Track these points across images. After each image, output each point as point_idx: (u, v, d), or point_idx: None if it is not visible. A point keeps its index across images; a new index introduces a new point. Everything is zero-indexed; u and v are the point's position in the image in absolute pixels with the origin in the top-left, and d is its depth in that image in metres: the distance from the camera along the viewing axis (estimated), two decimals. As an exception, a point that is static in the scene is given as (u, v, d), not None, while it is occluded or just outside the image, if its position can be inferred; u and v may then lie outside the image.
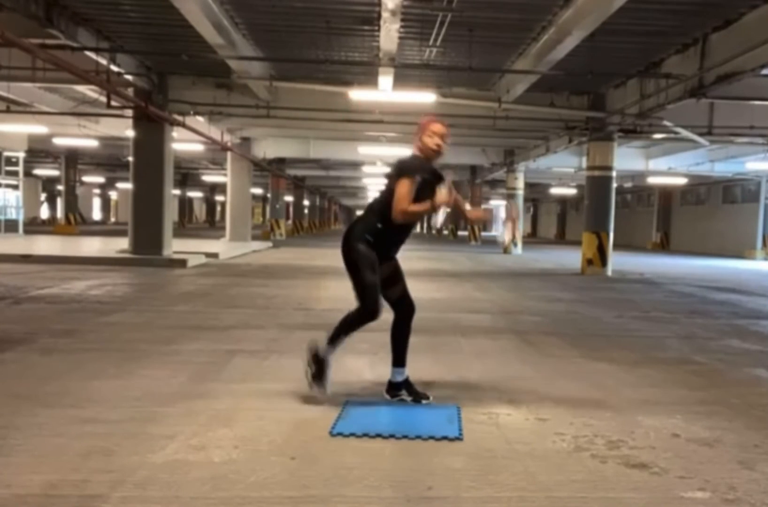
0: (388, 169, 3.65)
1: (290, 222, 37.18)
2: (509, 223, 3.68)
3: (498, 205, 50.76)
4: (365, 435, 3.08)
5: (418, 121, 3.76)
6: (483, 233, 32.65)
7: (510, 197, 21.89)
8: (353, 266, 3.52)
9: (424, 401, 3.65)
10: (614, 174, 13.78)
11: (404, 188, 3.42)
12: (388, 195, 3.54)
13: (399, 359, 3.68)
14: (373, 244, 3.53)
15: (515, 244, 21.63)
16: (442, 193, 3.46)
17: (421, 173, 3.47)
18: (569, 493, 2.54)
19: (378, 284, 3.51)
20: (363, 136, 18.04)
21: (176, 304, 7.44)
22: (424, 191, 3.46)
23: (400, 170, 3.50)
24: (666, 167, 21.41)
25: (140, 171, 13.09)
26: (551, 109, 13.12)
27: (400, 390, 3.68)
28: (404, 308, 3.67)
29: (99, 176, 38.47)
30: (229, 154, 20.89)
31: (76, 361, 4.41)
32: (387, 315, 3.75)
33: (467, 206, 3.99)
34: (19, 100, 14.54)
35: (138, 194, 13.15)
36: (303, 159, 25.03)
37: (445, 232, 35.24)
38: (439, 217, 3.56)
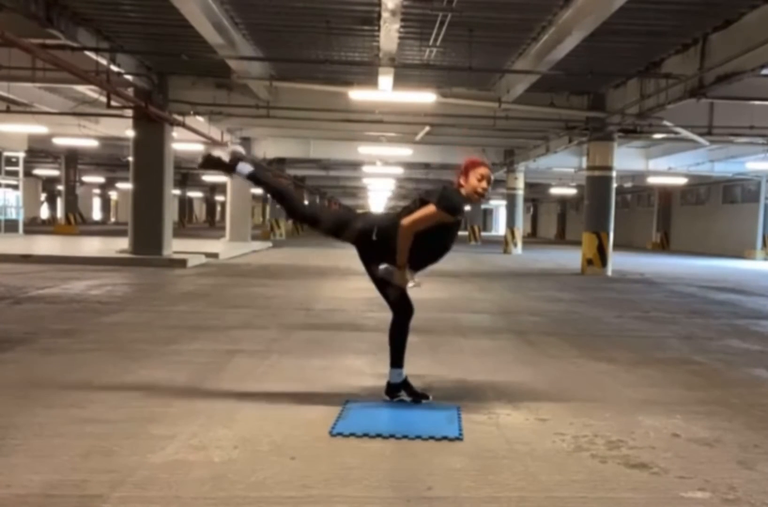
0: (424, 190, 3.60)
1: (290, 222, 37.14)
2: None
3: (498, 205, 50.77)
4: (365, 435, 3.08)
5: (462, 161, 3.70)
6: (483, 233, 32.64)
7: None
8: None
9: (423, 401, 3.64)
10: (614, 174, 13.78)
11: (428, 214, 3.38)
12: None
13: (397, 360, 3.65)
14: (374, 242, 3.52)
15: (515, 244, 21.65)
16: (406, 278, 3.45)
17: (457, 214, 3.46)
18: (569, 493, 2.54)
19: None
20: (363, 136, 18.04)
21: (176, 304, 7.44)
22: (442, 230, 3.47)
23: (440, 198, 3.43)
24: (666, 167, 21.41)
25: (140, 171, 13.09)
26: (551, 109, 13.12)
27: (399, 391, 3.66)
28: (403, 310, 3.65)
29: (99, 176, 38.45)
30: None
31: (76, 361, 4.41)
32: (387, 315, 3.75)
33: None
34: (19, 100, 14.54)
35: (138, 194, 13.15)
36: (303, 159, 25.02)
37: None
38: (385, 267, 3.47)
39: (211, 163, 3.70)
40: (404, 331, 3.64)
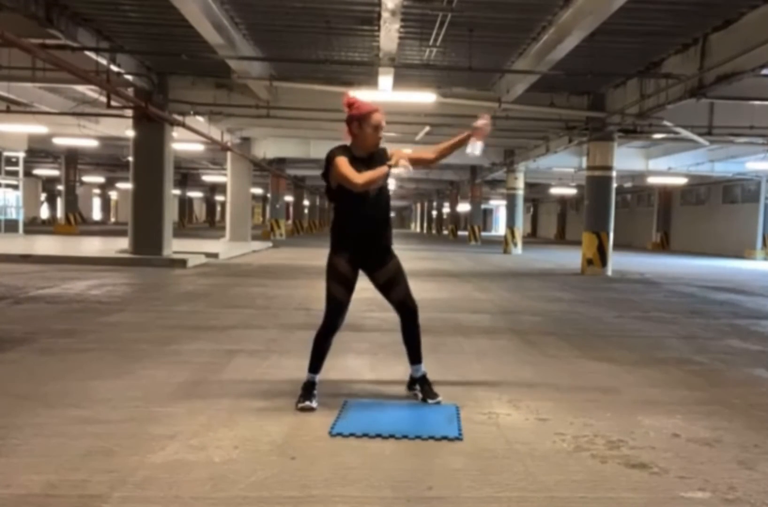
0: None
1: (290, 222, 37.19)
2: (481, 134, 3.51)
3: (498, 205, 50.76)
4: (365, 435, 3.08)
5: (343, 98, 3.56)
6: (483, 233, 32.65)
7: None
8: (326, 277, 3.65)
9: (430, 401, 3.66)
10: (614, 174, 13.78)
11: (342, 164, 3.33)
12: (331, 195, 3.56)
13: (413, 356, 3.73)
14: (344, 245, 3.58)
15: (515, 244, 21.65)
16: (397, 155, 3.39)
17: (350, 154, 3.42)
18: (569, 493, 2.54)
19: (343, 300, 3.60)
20: (363, 136, 18.01)
21: (176, 304, 7.44)
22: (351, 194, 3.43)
23: (329, 157, 3.42)
24: (666, 167, 21.42)
25: (140, 171, 13.10)
26: (551, 109, 13.12)
27: (415, 384, 3.76)
28: (406, 309, 3.69)
29: (99, 176, 38.48)
30: (229, 154, 20.90)
31: (76, 361, 4.41)
32: (394, 315, 3.76)
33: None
34: (19, 100, 14.53)
35: (138, 194, 13.15)
36: (303, 159, 25.03)
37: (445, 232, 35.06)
38: (476, 149, 3.50)
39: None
40: (414, 330, 3.71)
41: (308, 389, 3.55)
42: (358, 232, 3.58)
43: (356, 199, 3.47)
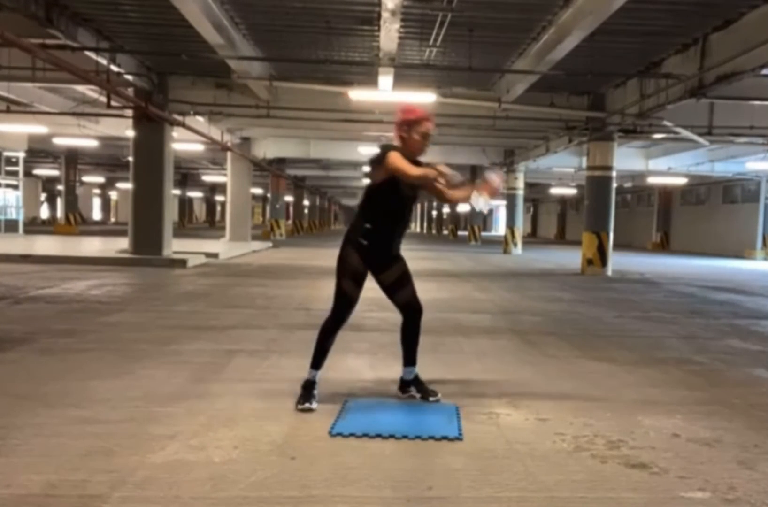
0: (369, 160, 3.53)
1: (290, 222, 37.18)
2: (490, 190, 3.47)
3: (498, 205, 50.77)
4: (365, 435, 3.08)
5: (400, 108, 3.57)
6: (483, 233, 32.64)
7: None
8: (337, 272, 3.57)
9: (431, 399, 3.67)
10: (614, 174, 13.78)
11: (397, 156, 3.31)
12: (369, 192, 3.55)
13: (409, 358, 3.73)
14: (369, 246, 3.53)
15: (515, 244, 21.65)
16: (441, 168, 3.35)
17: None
18: (569, 493, 2.54)
19: (353, 296, 3.54)
20: (363, 136, 18.03)
21: (176, 304, 7.44)
22: (392, 192, 3.42)
23: (383, 151, 3.39)
24: (666, 167, 21.42)
25: (140, 171, 13.10)
26: (551, 109, 13.12)
27: (409, 387, 3.74)
28: (412, 311, 3.69)
29: (99, 176, 38.48)
30: (229, 154, 20.90)
31: (76, 361, 4.41)
32: (394, 315, 3.76)
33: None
34: (19, 100, 14.54)
35: (138, 194, 13.14)
36: (303, 159, 25.03)
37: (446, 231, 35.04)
38: (480, 204, 3.36)
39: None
40: (415, 331, 3.71)
41: (308, 389, 3.55)
42: (384, 234, 3.56)
43: (395, 202, 3.49)
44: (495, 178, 3.46)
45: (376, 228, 3.53)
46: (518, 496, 2.49)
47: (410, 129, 3.48)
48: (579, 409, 3.64)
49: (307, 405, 3.45)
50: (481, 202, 3.37)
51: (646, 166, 21.75)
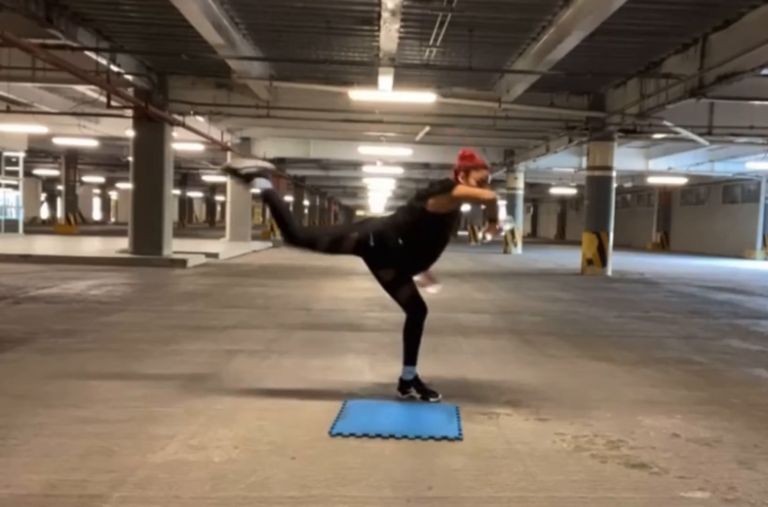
0: (420, 192, 3.72)
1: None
2: (491, 231, 3.70)
3: (499, 204, 50.68)
4: (365, 435, 3.08)
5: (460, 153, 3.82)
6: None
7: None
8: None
9: (432, 399, 3.68)
10: (614, 174, 13.78)
11: (466, 187, 3.57)
12: (420, 215, 3.57)
13: (409, 358, 3.72)
14: (404, 262, 3.63)
15: (515, 244, 21.65)
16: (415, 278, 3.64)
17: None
18: (569, 493, 2.54)
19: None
20: (363, 136, 18.04)
21: (176, 304, 7.44)
22: (440, 224, 3.58)
23: (448, 183, 3.58)
24: (666, 167, 21.41)
25: (140, 171, 13.09)
26: (551, 109, 13.12)
27: (409, 387, 3.73)
28: (416, 309, 3.69)
29: (99, 176, 38.44)
30: (229, 154, 20.89)
31: (76, 361, 4.41)
32: (394, 314, 3.76)
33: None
34: (19, 100, 14.53)
35: (138, 194, 13.14)
36: (303, 159, 25.02)
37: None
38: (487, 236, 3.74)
39: (234, 169, 3.78)
40: (417, 331, 3.70)
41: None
42: (410, 257, 3.63)
43: (438, 234, 3.64)
44: (502, 225, 3.77)
45: (407, 248, 3.58)
46: (518, 496, 2.49)
47: (467, 175, 3.67)
48: (579, 409, 3.64)
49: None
50: (485, 236, 3.78)
51: (646, 166, 21.74)
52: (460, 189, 3.53)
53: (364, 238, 3.58)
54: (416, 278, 3.71)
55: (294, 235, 3.74)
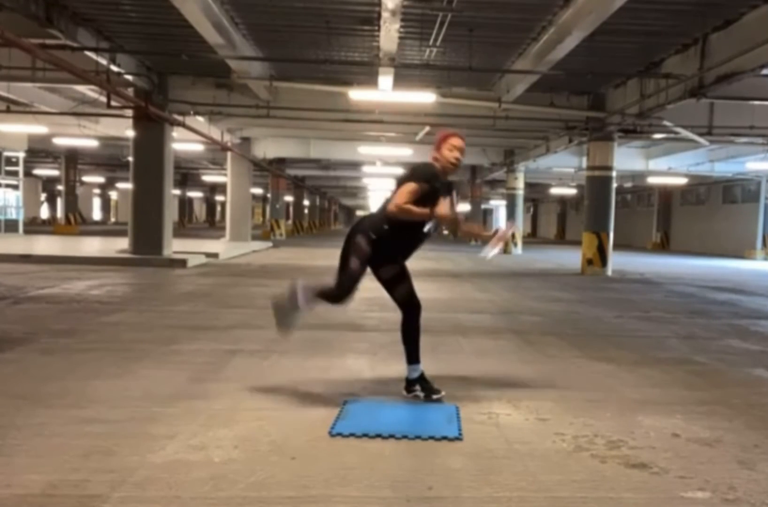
0: (400, 173, 3.75)
1: (290, 222, 37.17)
2: (499, 242, 3.70)
3: (498, 205, 50.76)
4: (365, 435, 3.08)
5: (435, 132, 3.85)
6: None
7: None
8: (345, 253, 3.64)
9: (435, 396, 3.70)
10: (614, 174, 13.78)
11: (408, 188, 3.49)
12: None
13: (412, 356, 3.74)
14: (376, 242, 3.59)
15: (515, 245, 21.65)
16: (444, 206, 3.54)
17: (432, 182, 3.54)
18: (569, 493, 2.54)
19: (359, 277, 3.63)
20: (363, 136, 18.04)
21: (176, 304, 7.44)
22: (428, 200, 3.52)
23: (411, 174, 3.59)
24: (666, 167, 21.41)
25: (140, 171, 13.09)
26: (551, 109, 13.12)
27: (414, 386, 3.75)
28: (411, 307, 3.72)
29: (99, 176, 38.46)
30: (229, 154, 20.90)
31: (76, 361, 4.41)
32: (394, 314, 3.76)
33: (463, 219, 4.03)
34: (19, 100, 14.54)
35: (138, 194, 13.14)
36: (303, 159, 25.03)
37: (444, 232, 35.10)
38: (429, 225, 3.63)
39: (279, 312, 3.86)
40: (416, 327, 3.73)
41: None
42: (396, 241, 3.64)
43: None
44: (507, 231, 3.76)
45: (392, 232, 3.59)
46: (518, 496, 2.49)
47: (440, 149, 3.68)
48: (579, 409, 3.64)
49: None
50: (488, 249, 3.66)
51: (646, 166, 21.75)
52: (403, 187, 3.49)
53: (365, 234, 3.62)
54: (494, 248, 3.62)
55: (342, 298, 3.74)
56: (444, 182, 3.64)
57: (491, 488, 2.56)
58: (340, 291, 3.68)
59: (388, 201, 3.63)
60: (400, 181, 3.59)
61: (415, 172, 3.59)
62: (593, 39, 8.99)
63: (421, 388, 3.74)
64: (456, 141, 3.67)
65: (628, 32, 9.43)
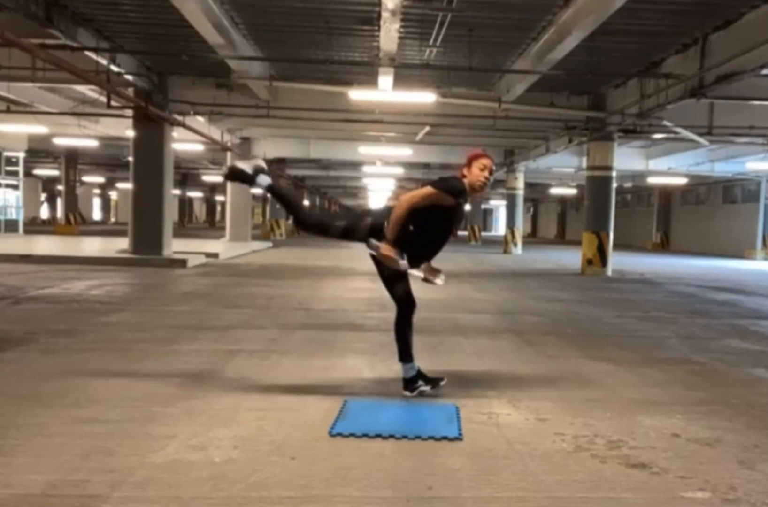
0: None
1: (290, 222, 37.17)
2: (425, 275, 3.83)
3: (498, 205, 50.75)
4: (365, 435, 3.08)
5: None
6: (483, 233, 32.64)
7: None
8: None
9: (441, 383, 3.80)
10: (614, 174, 13.78)
11: (425, 191, 3.54)
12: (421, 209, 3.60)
13: (406, 355, 3.76)
14: (403, 253, 3.62)
15: (515, 244, 21.65)
16: (387, 248, 3.52)
17: (459, 197, 3.61)
18: (569, 493, 2.54)
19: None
20: (363, 136, 18.03)
21: (176, 304, 7.44)
22: (450, 215, 3.62)
23: (442, 184, 3.59)
24: (666, 167, 21.41)
25: (140, 171, 13.09)
26: (551, 109, 13.11)
27: (416, 383, 3.77)
28: (407, 304, 3.76)
29: (99, 176, 38.45)
30: (229, 154, 20.88)
31: (76, 361, 4.41)
32: (393, 314, 3.77)
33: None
34: (19, 100, 14.53)
35: (138, 194, 13.14)
36: (303, 159, 25.01)
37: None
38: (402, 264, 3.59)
39: (235, 174, 3.81)
40: (408, 325, 3.76)
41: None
42: (409, 247, 3.65)
43: (449, 220, 3.69)
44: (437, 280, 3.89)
45: (416, 235, 3.61)
46: (518, 496, 2.49)
47: (470, 167, 3.72)
48: (579, 409, 3.64)
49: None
50: (416, 272, 3.74)
51: (646, 166, 21.75)
52: (422, 190, 3.55)
53: (376, 224, 3.63)
54: (418, 273, 3.72)
55: (304, 221, 3.83)
56: (466, 200, 3.72)
57: (491, 488, 2.56)
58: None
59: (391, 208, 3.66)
60: (425, 185, 3.63)
61: (446, 184, 3.59)
62: (593, 39, 8.99)
63: (424, 382, 3.77)
64: (487, 161, 3.72)
65: (628, 32, 9.43)
